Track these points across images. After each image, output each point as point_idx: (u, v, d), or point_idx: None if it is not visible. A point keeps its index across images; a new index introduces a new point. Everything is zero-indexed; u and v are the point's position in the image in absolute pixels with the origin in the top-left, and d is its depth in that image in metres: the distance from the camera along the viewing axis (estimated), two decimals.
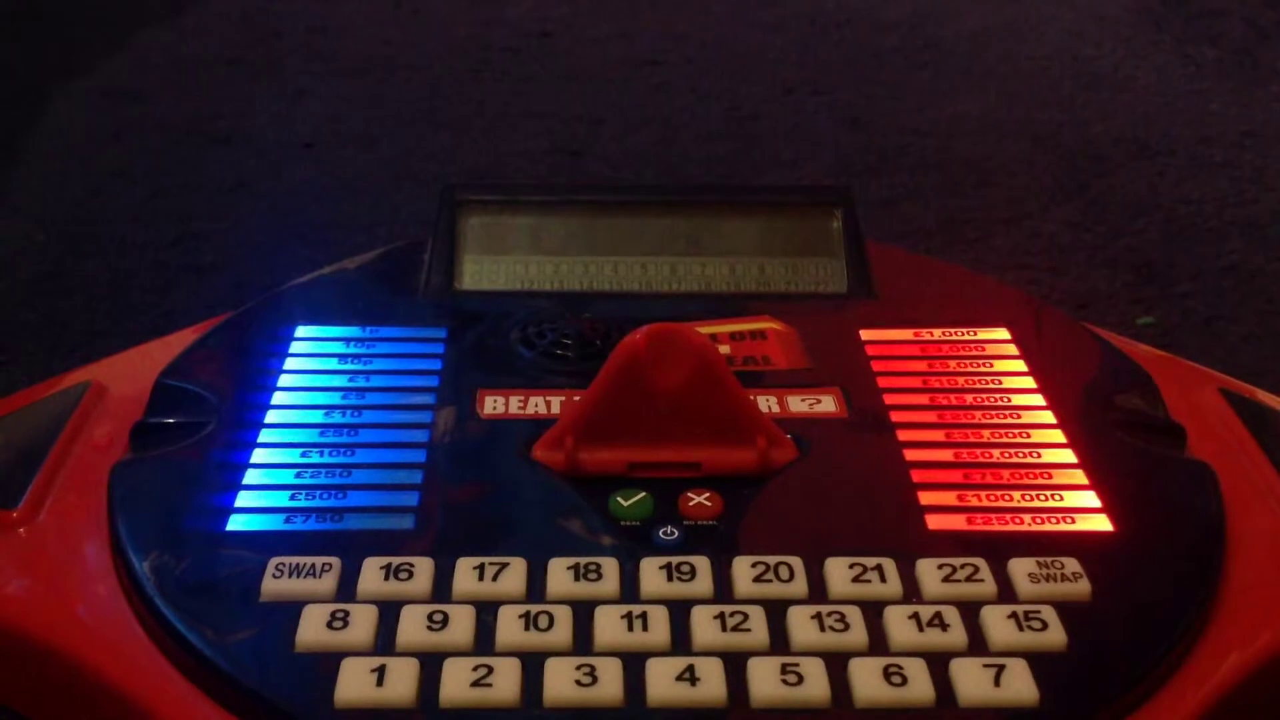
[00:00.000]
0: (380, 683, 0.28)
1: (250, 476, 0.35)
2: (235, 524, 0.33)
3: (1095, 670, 0.29)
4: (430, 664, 0.28)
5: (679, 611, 0.30)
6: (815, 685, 0.28)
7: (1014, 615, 0.30)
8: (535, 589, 0.31)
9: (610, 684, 0.28)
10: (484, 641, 0.29)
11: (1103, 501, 0.34)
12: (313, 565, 0.31)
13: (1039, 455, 0.36)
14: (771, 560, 0.31)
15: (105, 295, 0.64)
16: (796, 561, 0.31)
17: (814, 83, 0.97)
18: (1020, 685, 0.28)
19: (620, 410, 0.34)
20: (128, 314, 0.62)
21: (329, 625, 0.29)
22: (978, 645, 0.29)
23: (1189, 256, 0.71)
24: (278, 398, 0.38)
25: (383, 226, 0.72)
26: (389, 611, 0.30)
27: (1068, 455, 0.36)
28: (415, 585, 0.31)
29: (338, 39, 1.05)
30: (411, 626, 0.29)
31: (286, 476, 0.35)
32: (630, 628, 0.29)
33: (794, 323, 0.42)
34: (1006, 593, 0.31)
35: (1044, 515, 0.34)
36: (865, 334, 0.42)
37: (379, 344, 0.41)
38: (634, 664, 0.28)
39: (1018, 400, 0.39)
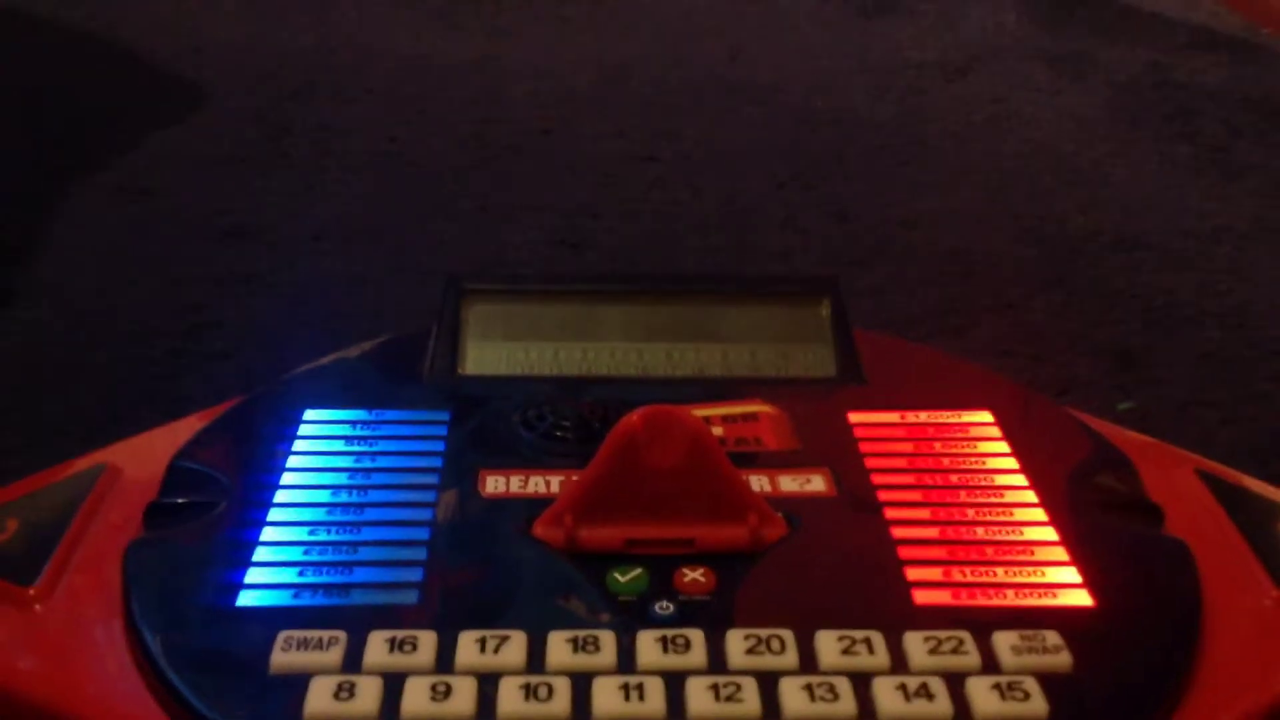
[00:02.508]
0: None
1: (260, 554, 0.36)
2: (245, 599, 0.34)
3: None
4: None
5: (674, 682, 0.31)
6: None
7: (997, 686, 0.31)
8: (535, 661, 0.32)
9: None
10: (485, 711, 0.30)
11: (1083, 577, 0.35)
12: (320, 639, 0.32)
13: (1021, 533, 0.37)
14: (763, 633, 0.32)
15: (120, 383, 0.66)
16: (788, 634, 0.32)
17: (803, 178, 1.00)
18: None
19: (617, 489, 0.36)
20: (142, 400, 0.64)
21: (335, 696, 0.30)
22: (963, 715, 0.30)
23: (1167, 344, 0.73)
24: (286, 478, 0.40)
25: (389, 315, 0.74)
26: (393, 683, 0.31)
27: (1049, 533, 0.37)
28: (419, 657, 0.32)
29: (346, 136, 1.08)
30: (415, 697, 0.30)
31: (295, 554, 0.36)
32: (627, 698, 0.30)
33: (784, 406, 0.44)
34: (990, 664, 0.32)
35: (1026, 590, 0.35)
36: (853, 417, 0.43)
37: (384, 426, 0.42)
38: None
39: (1001, 480, 0.40)
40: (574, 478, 0.38)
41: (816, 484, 0.39)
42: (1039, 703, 0.30)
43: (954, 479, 0.40)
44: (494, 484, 0.39)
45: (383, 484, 0.39)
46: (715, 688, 0.31)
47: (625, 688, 0.31)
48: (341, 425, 0.43)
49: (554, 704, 0.30)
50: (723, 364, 0.47)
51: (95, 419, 0.62)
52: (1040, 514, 0.38)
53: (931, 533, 0.37)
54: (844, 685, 0.31)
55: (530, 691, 0.30)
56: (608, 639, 0.32)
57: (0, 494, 0.40)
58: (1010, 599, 0.34)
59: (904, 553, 0.36)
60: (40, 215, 0.89)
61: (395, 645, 0.32)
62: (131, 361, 0.68)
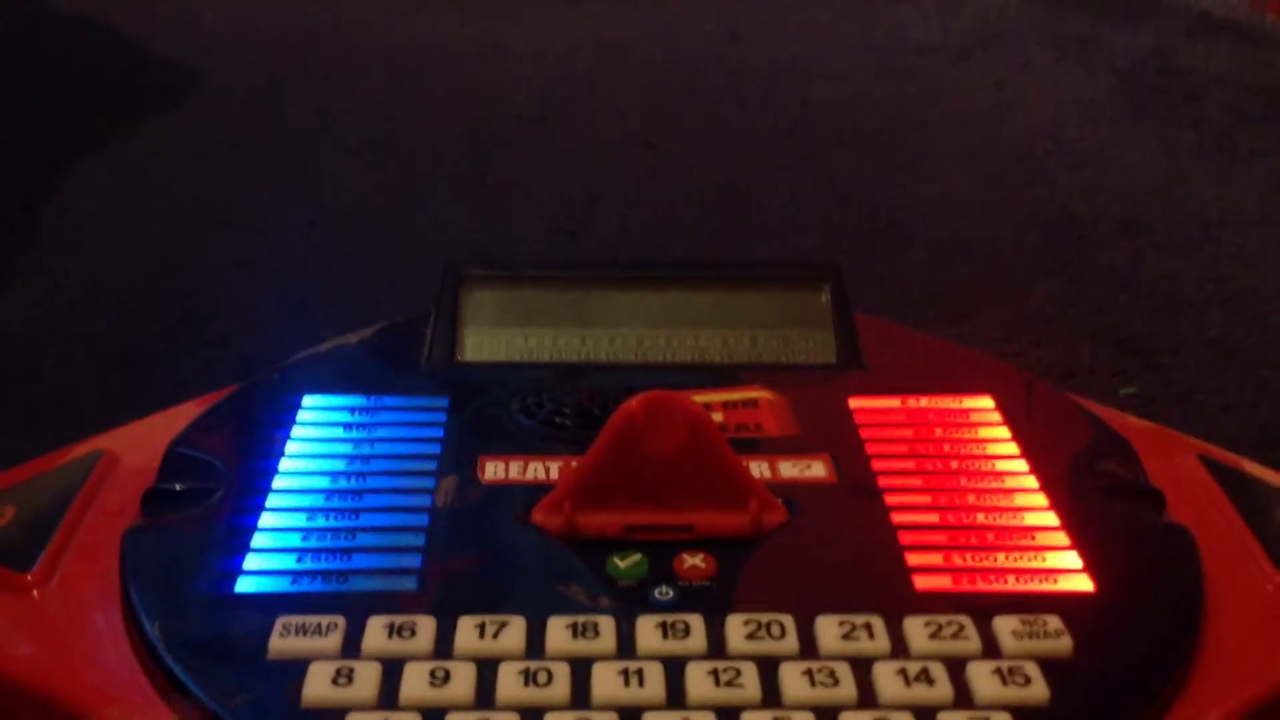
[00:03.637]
0: None
1: (258, 540, 0.36)
2: (244, 585, 0.34)
3: None
4: (432, 718, 0.29)
5: (674, 668, 0.31)
6: None
7: (998, 671, 0.31)
8: (534, 646, 0.31)
9: None
10: (484, 697, 0.30)
11: (1084, 562, 0.35)
12: (319, 624, 0.32)
13: (1022, 518, 0.37)
14: (763, 618, 0.32)
15: (117, 369, 0.66)
16: (788, 620, 0.32)
17: (804, 162, 1.00)
18: None
19: (617, 475, 0.36)
20: (137, 387, 0.64)
21: (334, 682, 0.30)
22: (963, 700, 0.30)
23: (1170, 330, 0.73)
24: (285, 464, 0.40)
25: (385, 302, 0.74)
26: (392, 668, 0.31)
27: (1050, 518, 0.37)
28: (418, 643, 0.31)
29: (341, 120, 1.08)
30: (414, 682, 0.30)
31: (293, 540, 0.36)
32: (627, 683, 0.30)
33: (785, 392, 0.44)
34: (991, 649, 0.32)
35: (1027, 575, 0.35)
36: (853, 402, 0.43)
37: (383, 413, 0.42)
38: (631, 718, 0.29)
39: (1001, 465, 0.40)
40: (573, 464, 0.37)
41: (817, 470, 0.39)
42: (1040, 687, 0.30)
43: (955, 464, 0.40)
44: (493, 470, 0.39)
45: (381, 470, 0.39)
46: (715, 673, 0.30)
47: (625, 673, 0.30)
48: (340, 411, 0.42)
49: (553, 689, 0.30)
50: (723, 350, 0.47)
51: (92, 405, 0.62)
52: (1041, 499, 0.38)
53: (932, 518, 0.37)
54: (844, 670, 0.31)
55: (529, 677, 0.30)
56: (607, 624, 0.32)
57: None
58: (1011, 584, 0.34)
59: (904, 538, 0.36)
60: (36, 200, 0.89)
61: (394, 631, 0.32)
62: (128, 347, 0.68)
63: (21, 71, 1.20)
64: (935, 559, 0.35)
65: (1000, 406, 0.43)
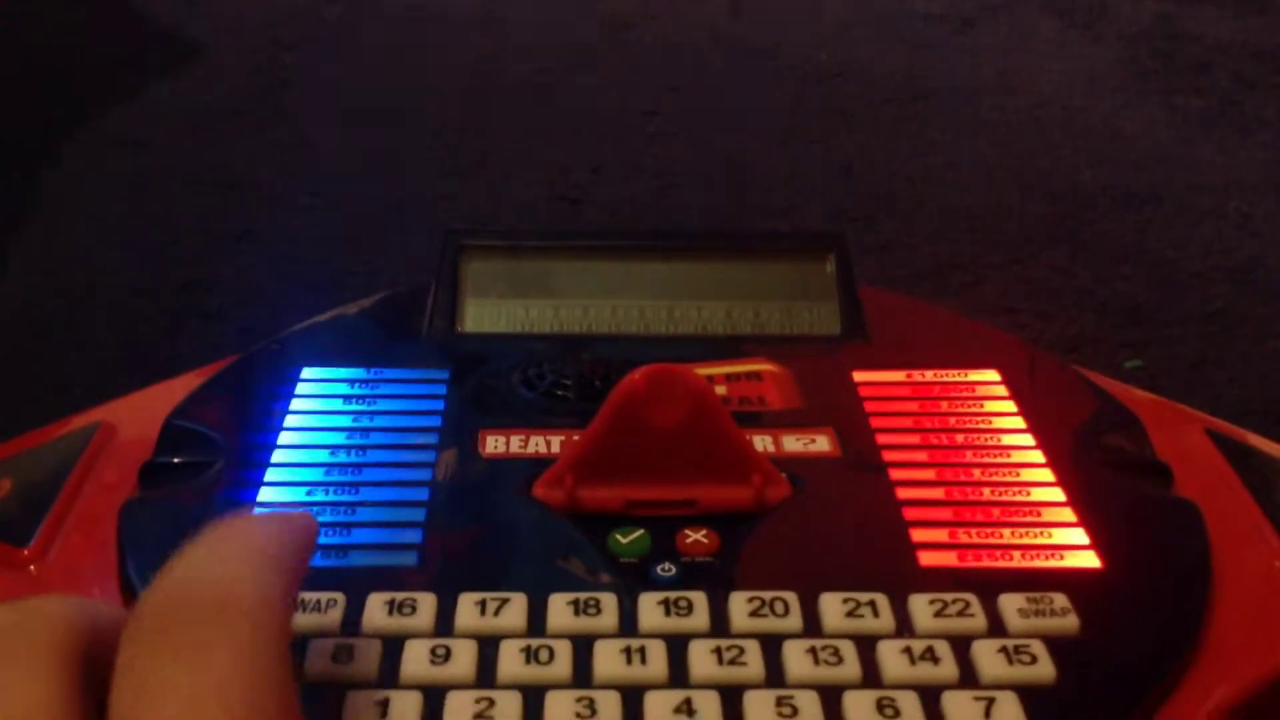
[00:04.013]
0: (384, 715, 0.28)
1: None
2: None
3: (1084, 703, 0.30)
4: (433, 697, 0.29)
5: (676, 645, 0.30)
6: (810, 717, 0.28)
7: (1004, 649, 0.30)
8: (536, 624, 0.31)
9: (609, 716, 0.28)
10: (486, 675, 0.30)
11: (1091, 539, 0.35)
12: (318, 601, 0.32)
13: (1028, 494, 0.37)
14: (767, 595, 0.32)
15: (115, 340, 0.65)
16: (791, 597, 0.32)
17: (808, 132, 0.99)
18: (1010, 717, 0.29)
19: (619, 449, 0.35)
20: (137, 358, 0.63)
21: (334, 658, 0.30)
22: (969, 678, 0.30)
23: (1176, 301, 0.72)
24: (284, 437, 0.39)
25: (385, 272, 0.73)
26: (392, 645, 0.30)
27: (1056, 494, 0.37)
28: (418, 620, 0.31)
29: (342, 90, 1.07)
30: (414, 660, 0.30)
31: None
32: (629, 661, 0.30)
33: (788, 364, 0.43)
34: (997, 627, 0.31)
35: (1033, 552, 0.34)
36: (858, 375, 0.43)
37: (383, 385, 0.42)
38: (633, 697, 0.29)
39: (1007, 440, 0.39)
40: (575, 438, 0.37)
41: (821, 444, 0.39)
42: (1046, 666, 0.30)
43: (960, 439, 0.39)
44: (494, 444, 0.39)
45: (381, 443, 0.39)
46: (718, 651, 0.30)
47: (627, 650, 0.30)
48: (340, 384, 0.42)
49: (555, 667, 0.30)
50: (726, 322, 0.46)
51: (90, 376, 0.62)
52: (1047, 474, 0.38)
53: (937, 493, 0.37)
54: (848, 648, 0.30)
55: (531, 654, 0.30)
56: (609, 601, 0.32)
57: None
58: (1017, 561, 0.34)
59: (909, 514, 0.36)
60: (34, 170, 0.88)
61: (394, 607, 0.31)
62: (127, 318, 0.68)
63: (22, 42, 1.19)
64: (940, 535, 0.35)
65: (1006, 380, 0.43)
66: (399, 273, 0.73)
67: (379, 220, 0.82)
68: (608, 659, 0.30)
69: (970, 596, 0.32)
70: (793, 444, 0.39)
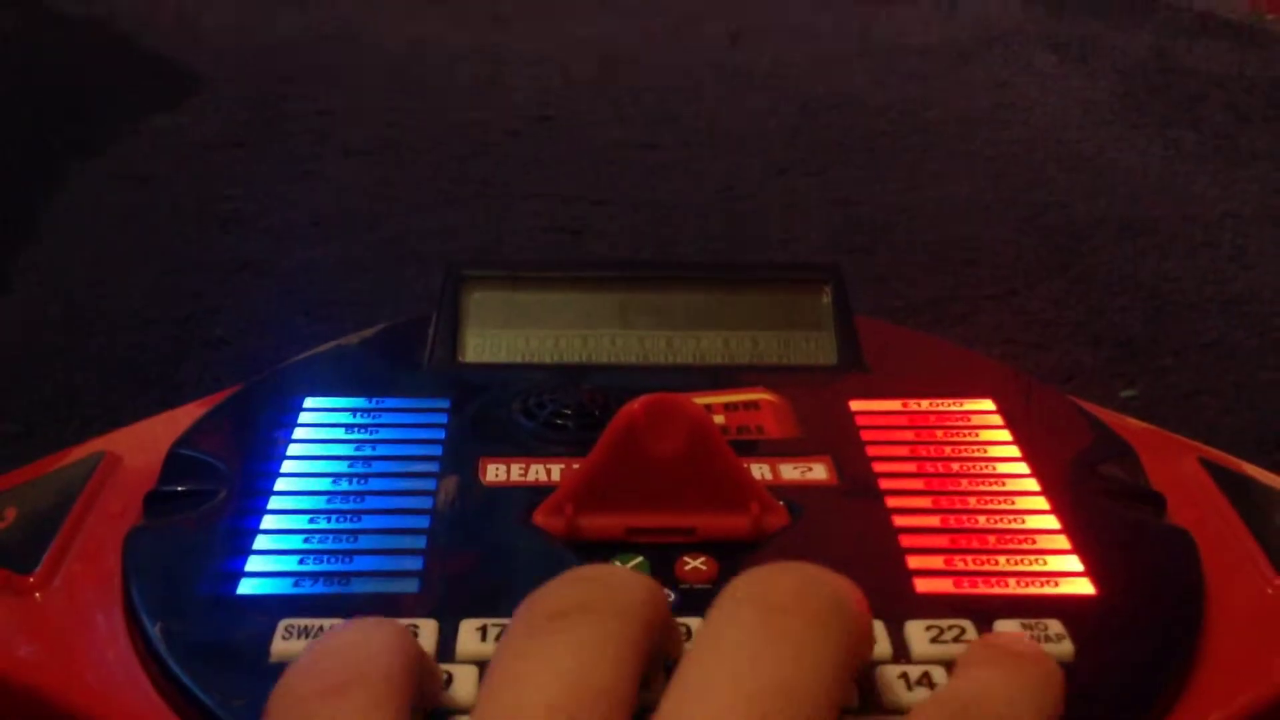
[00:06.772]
0: None
1: (260, 542, 0.36)
2: (245, 588, 0.34)
3: None
4: None
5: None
6: None
7: None
8: None
9: None
10: None
11: (1085, 566, 0.35)
12: (321, 627, 0.32)
13: (1023, 521, 0.37)
14: None
15: (118, 370, 0.66)
16: None
17: (805, 164, 1.00)
18: None
19: (618, 477, 0.36)
20: (140, 388, 0.64)
21: None
22: None
23: (1171, 332, 0.73)
24: (287, 466, 0.40)
25: (387, 303, 0.74)
26: None
27: (1051, 521, 0.37)
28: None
29: (343, 122, 1.08)
30: None
31: (295, 542, 0.36)
32: None
33: (786, 394, 0.44)
34: None
35: (1028, 579, 0.35)
36: (855, 404, 0.43)
37: (385, 414, 0.42)
38: None
39: (1002, 468, 0.40)
40: (575, 466, 0.37)
41: (818, 472, 0.39)
42: None
43: (956, 467, 0.40)
44: (494, 472, 0.39)
45: (383, 472, 0.39)
46: None
47: None
48: (342, 413, 0.42)
49: None
50: (724, 352, 0.47)
51: (93, 406, 0.62)
52: (1042, 502, 0.38)
53: (933, 521, 0.37)
54: None
55: None
56: None
57: None
58: (1012, 587, 0.34)
59: (905, 541, 0.36)
60: (37, 202, 0.89)
61: None
62: (130, 349, 0.68)
63: (23, 71, 1.20)
64: (936, 562, 0.35)
65: (1001, 409, 0.43)
66: (400, 303, 0.73)
67: (380, 251, 0.83)
68: None
69: (966, 622, 0.32)
70: (790, 472, 0.39)
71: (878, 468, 0.40)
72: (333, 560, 0.35)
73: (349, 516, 0.37)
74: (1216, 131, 1.07)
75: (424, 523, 0.37)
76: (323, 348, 0.48)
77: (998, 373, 0.47)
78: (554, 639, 0.23)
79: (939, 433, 0.42)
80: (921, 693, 0.30)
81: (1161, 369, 0.69)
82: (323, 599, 0.33)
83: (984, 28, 1.37)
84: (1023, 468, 0.40)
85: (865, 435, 0.41)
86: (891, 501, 0.38)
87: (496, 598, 0.34)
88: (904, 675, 0.31)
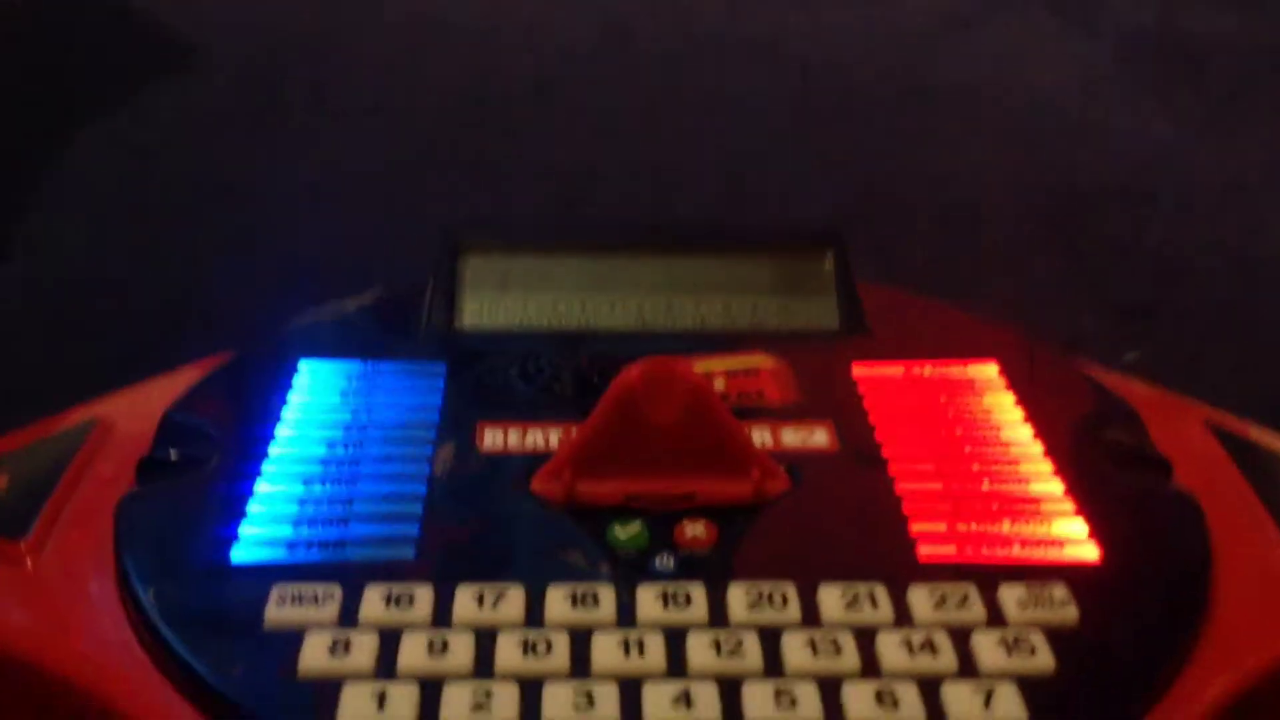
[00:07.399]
0: (381, 707, 0.28)
1: (254, 509, 0.35)
2: (239, 555, 0.34)
3: (1083, 693, 0.29)
4: (430, 688, 0.29)
5: (675, 637, 0.30)
6: (809, 708, 0.28)
7: (1003, 640, 0.30)
8: (534, 616, 0.31)
9: (607, 708, 0.28)
10: (483, 666, 0.30)
11: (1090, 531, 0.35)
12: (315, 593, 0.32)
13: (1028, 486, 0.37)
14: (765, 587, 0.32)
15: (113, 339, 0.65)
16: (790, 588, 0.32)
17: (805, 132, 0.99)
18: (1009, 708, 0.29)
19: (617, 443, 0.35)
20: (135, 356, 0.63)
21: (331, 651, 0.30)
22: (968, 669, 0.30)
23: (1174, 297, 0.72)
24: (281, 431, 0.39)
25: (383, 270, 0.73)
26: (390, 638, 0.30)
27: (1056, 486, 0.37)
28: (416, 612, 0.31)
29: (340, 91, 1.06)
30: (412, 652, 0.30)
31: (289, 508, 0.35)
32: (627, 653, 0.30)
33: (787, 359, 0.43)
34: (996, 618, 0.31)
35: (1033, 544, 0.34)
36: (857, 369, 0.43)
37: (381, 379, 0.42)
38: (631, 688, 0.29)
39: (1007, 433, 0.39)
40: (573, 432, 0.37)
41: (819, 438, 0.39)
42: (1045, 657, 0.30)
43: (959, 431, 0.39)
44: (492, 438, 0.39)
45: (379, 437, 0.39)
46: (716, 642, 0.30)
47: (625, 643, 0.30)
48: (337, 378, 0.42)
49: (553, 659, 0.30)
50: (724, 316, 0.46)
51: (87, 374, 0.62)
52: (1047, 467, 0.38)
53: (936, 486, 0.37)
54: (847, 639, 0.30)
55: (529, 646, 0.30)
56: (607, 594, 0.32)
57: None
58: (1016, 552, 0.34)
59: (908, 506, 0.36)
60: (34, 171, 0.88)
61: (392, 600, 0.31)
62: (125, 318, 0.68)
63: (19, 44, 1.19)
64: (939, 527, 0.35)
65: (1005, 373, 0.42)
66: (397, 274, 0.73)
67: (376, 219, 0.82)
68: (606, 650, 0.30)
69: (969, 587, 0.32)
70: (791, 438, 0.39)
71: (880, 433, 0.39)
72: (328, 527, 0.35)
73: (344, 482, 0.37)
74: (1221, 95, 1.06)
75: (420, 489, 0.36)
76: (318, 311, 0.47)
77: (1002, 336, 0.46)
78: None
79: (942, 397, 0.41)
80: (924, 658, 0.30)
81: (1166, 333, 0.68)
82: (317, 566, 0.33)
83: None
84: (1027, 432, 0.39)
85: (867, 400, 0.41)
86: (894, 467, 0.37)
87: (494, 564, 0.33)
88: (907, 640, 0.30)
